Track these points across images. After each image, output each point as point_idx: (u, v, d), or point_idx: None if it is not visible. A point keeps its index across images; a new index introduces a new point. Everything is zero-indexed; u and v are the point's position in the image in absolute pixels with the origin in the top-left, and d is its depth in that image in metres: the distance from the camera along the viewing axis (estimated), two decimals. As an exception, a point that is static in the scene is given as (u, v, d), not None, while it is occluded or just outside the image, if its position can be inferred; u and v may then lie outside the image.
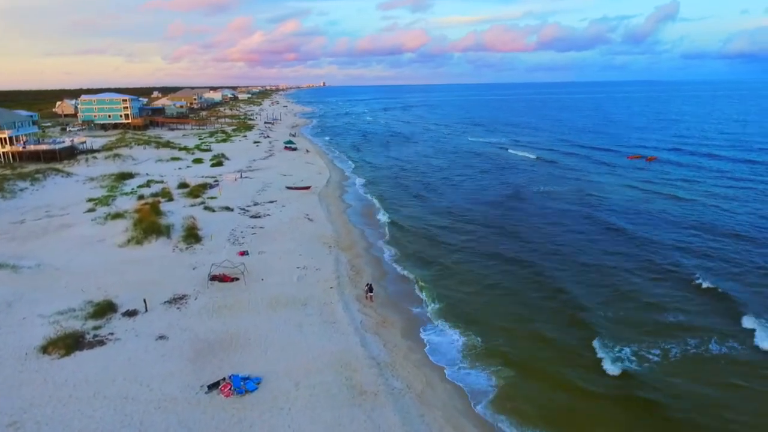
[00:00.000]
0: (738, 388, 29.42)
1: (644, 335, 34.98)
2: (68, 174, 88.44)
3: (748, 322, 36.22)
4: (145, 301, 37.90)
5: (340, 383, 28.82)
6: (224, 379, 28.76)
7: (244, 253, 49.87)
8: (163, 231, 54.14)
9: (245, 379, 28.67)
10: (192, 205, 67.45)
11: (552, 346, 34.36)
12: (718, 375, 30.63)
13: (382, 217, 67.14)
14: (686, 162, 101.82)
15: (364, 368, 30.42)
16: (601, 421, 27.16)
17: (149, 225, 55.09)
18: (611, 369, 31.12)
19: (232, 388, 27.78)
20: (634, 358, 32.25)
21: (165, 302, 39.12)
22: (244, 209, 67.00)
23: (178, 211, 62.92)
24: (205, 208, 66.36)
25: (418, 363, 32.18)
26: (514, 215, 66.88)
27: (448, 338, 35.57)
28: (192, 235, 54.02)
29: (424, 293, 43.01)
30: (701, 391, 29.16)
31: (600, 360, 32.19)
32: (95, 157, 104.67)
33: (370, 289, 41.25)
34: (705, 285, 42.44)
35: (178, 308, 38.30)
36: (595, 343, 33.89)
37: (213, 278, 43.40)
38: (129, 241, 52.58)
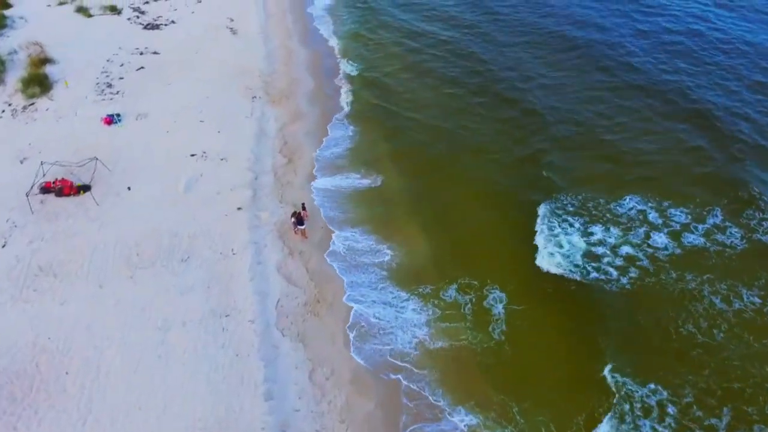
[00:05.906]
0: None
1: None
2: None
3: None
4: None
5: None
6: None
7: (111, 121, 31.22)
8: (-10, 69, 34.34)
9: None
10: (57, 3, 44.37)
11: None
12: None
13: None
14: None
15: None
16: None
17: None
18: None
19: None
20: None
21: (-52, 256, 22.96)
22: (138, 10, 44.45)
23: (29, 17, 41.32)
24: (79, 9, 43.64)
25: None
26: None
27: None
28: (36, 79, 34.15)
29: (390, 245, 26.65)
30: None
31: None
32: None
33: (300, 221, 24.54)
34: None
35: (-35, 274, 22.32)
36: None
37: (45, 189, 26.23)
38: (-63, 90, 33.23)
